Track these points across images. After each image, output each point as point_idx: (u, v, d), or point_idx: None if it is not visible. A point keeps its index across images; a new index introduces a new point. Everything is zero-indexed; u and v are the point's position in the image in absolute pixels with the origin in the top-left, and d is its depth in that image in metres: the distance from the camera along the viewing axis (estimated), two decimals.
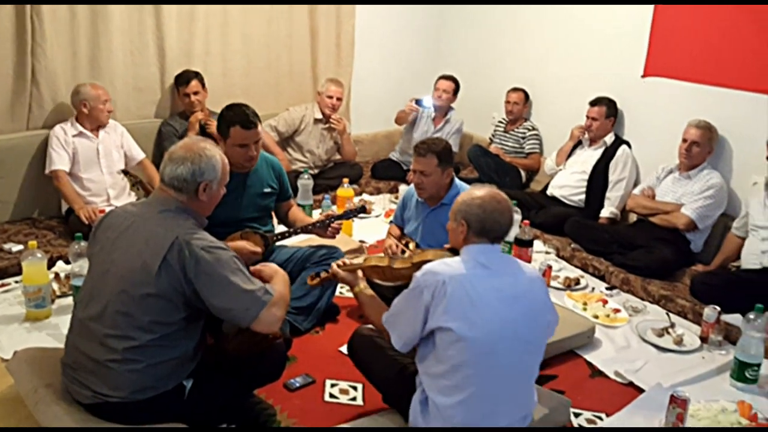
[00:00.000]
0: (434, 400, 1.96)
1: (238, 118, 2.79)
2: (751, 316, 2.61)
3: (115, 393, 1.92)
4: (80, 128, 3.65)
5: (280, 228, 3.18)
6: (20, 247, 3.33)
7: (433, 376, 1.96)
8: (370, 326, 2.33)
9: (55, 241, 3.49)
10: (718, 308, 2.93)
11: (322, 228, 2.95)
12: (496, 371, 1.91)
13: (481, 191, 2.03)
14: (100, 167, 3.69)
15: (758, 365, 2.60)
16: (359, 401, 2.41)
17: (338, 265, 2.34)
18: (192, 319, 1.99)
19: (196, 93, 4.07)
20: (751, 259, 3.22)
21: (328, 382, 2.51)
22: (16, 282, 3.09)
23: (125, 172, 3.80)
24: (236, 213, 2.88)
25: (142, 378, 1.93)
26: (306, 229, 2.98)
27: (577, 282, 3.47)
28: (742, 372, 2.60)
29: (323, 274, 2.41)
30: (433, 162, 2.90)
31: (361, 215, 4.21)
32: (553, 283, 3.43)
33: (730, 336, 2.91)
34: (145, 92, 4.20)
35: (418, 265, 2.08)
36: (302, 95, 4.87)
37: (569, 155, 4.32)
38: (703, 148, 3.59)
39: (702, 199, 3.53)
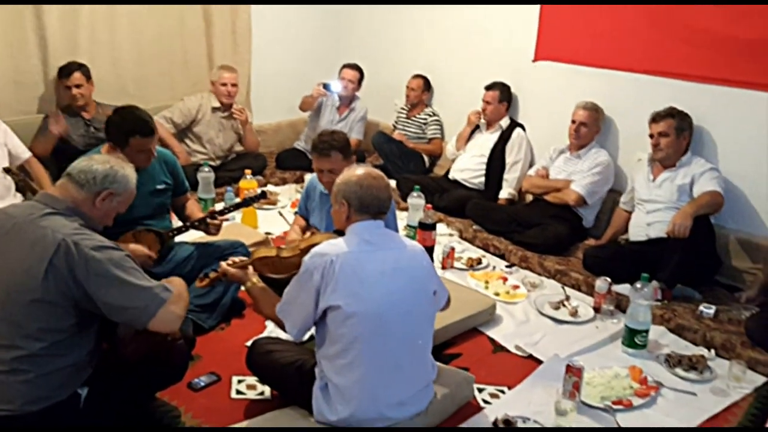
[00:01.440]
0: (334, 382, 2.00)
1: (137, 128, 2.69)
2: (638, 285, 2.78)
3: (4, 406, 1.82)
4: None
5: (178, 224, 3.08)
6: None
7: (330, 358, 2.01)
8: (265, 336, 2.43)
9: None
10: (609, 279, 3.10)
11: (204, 224, 2.89)
12: (388, 343, 1.99)
13: (357, 170, 2.10)
14: None
15: (646, 331, 2.77)
16: (267, 395, 2.39)
17: (228, 264, 2.32)
18: (84, 324, 1.91)
19: (78, 86, 3.85)
20: (637, 231, 3.42)
21: (235, 379, 2.47)
22: None
23: (7, 171, 3.56)
24: (128, 212, 2.75)
25: (33, 389, 1.83)
26: (194, 225, 2.90)
27: (479, 262, 3.57)
28: (632, 338, 2.77)
29: (212, 274, 2.37)
30: (339, 158, 2.89)
31: (266, 206, 4.16)
32: (456, 264, 3.52)
33: (621, 305, 3.08)
34: (26, 87, 3.95)
35: (306, 251, 2.11)
36: (198, 85, 4.71)
37: (468, 139, 4.43)
38: (590, 128, 3.77)
39: (590, 175, 3.72)
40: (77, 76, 3.85)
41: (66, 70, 3.86)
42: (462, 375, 2.41)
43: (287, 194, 4.53)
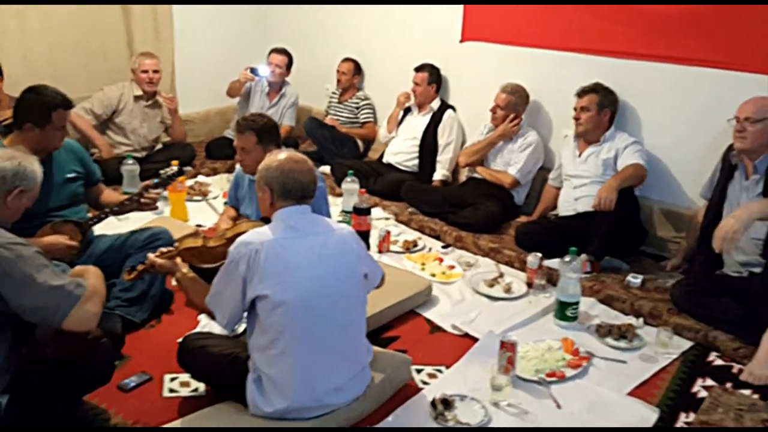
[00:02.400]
0: (267, 373, 1.98)
1: (59, 100, 2.64)
2: (567, 258, 2.84)
3: None
4: None
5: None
6: None
7: (262, 349, 1.99)
8: (196, 332, 2.42)
9: None
10: (540, 255, 3.16)
11: (136, 202, 2.80)
12: (319, 329, 1.98)
13: (279, 155, 2.08)
14: None
15: (577, 303, 2.84)
16: (201, 392, 2.32)
17: (156, 255, 2.27)
18: None
19: None
20: (566, 206, 3.50)
21: (167, 377, 2.39)
22: None
23: None
24: (42, 204, 2.63)
25: None
26: (122, 208, 2.81)
27: (415, 244, 3.58)
28: (564, 311, 2.83)
29: (140, 266, 2.31)
30: (252, 139, 2.82)
31: (197, 197, 4.04)
32: (393, 248, 3.52)
33: (552, 279, 3.15)
34: None
35: (232, 240, 2.07)
36: (118, 74, 4.53)
37: (400, 122, 4.42)
38: (507, 111, 3.80)
39: (522, 157, 3.78)
40: None
41: None
42: (399, 357, 2.42)
43: (218, 184, 4.42)
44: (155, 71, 4.27)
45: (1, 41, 3.91)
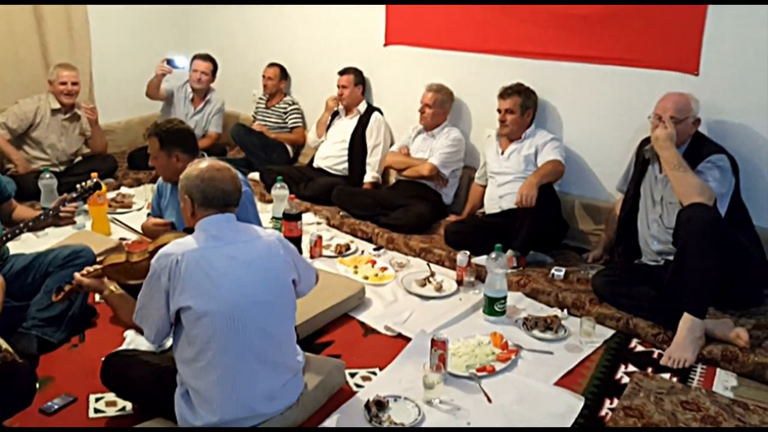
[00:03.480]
0: (194, 387, 1.95)
1: None
2: (493, 255, 2.91)
3: None
4: None
5: None
6: None
7: (188, 362, 1.96)
8: (120, 349, 2.37)
9: None
10: (468, 252, 3.22)
11: (54, 216, 2.70)
12: (245, 339, 1.95)
13: (199, 164, 2.06)
14: None
15: (504, 298, 2.91)
16: (129, 410, 2.26)
17: (82, 274, 2.21)
18: None
19: None
20: (491, 204, 3.58)
21: (93, 397, 2.31)
22: None
23: None
24: None
25: None
26: (38, 223, 2.69)
27: (348, 248, 3.59)
28: (492, 306, 2.90)
29: (67, 287, 2.25)
30: (155, 144, 2.75)
31: (120, 209, 3.93)
32: (325, 252, 3.52)
33: (481, 276, 3.21)
34: None
35: (155, 253, 2.02)
36: (34, 86, 4.36)
37: (329, 127, 4.42)
38: (435, 109, 3.88)
39: (444, 148, 3.85)
40: None
41: None
42: (332, 362, 2.41)
43: (142, 195, 4.31)
44: (74, 83, 4.12)
45: None
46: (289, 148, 4.79)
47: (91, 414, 2.25)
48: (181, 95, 4.72)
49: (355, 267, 3.38)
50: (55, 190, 3.77)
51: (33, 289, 2.61)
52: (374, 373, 2.53)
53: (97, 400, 2.31)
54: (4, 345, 1.97)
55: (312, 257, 3.46)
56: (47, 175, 3.76)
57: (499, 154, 3.58)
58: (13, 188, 3.12)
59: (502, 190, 3.51)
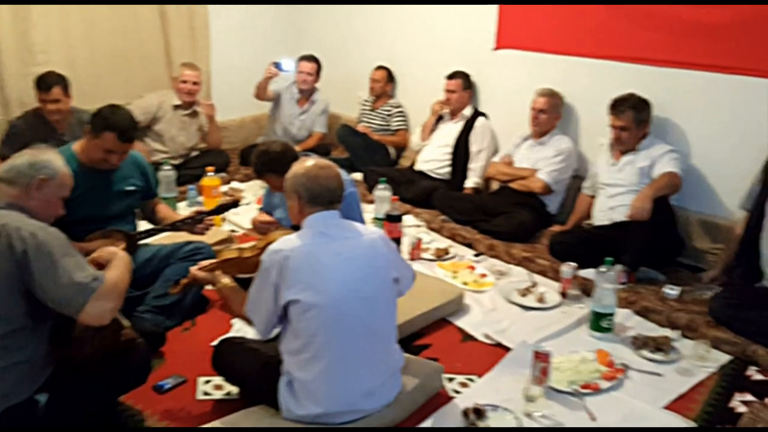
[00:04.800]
0: (298, 377, 2.00)
1: (117, 126, 2.62)
2: (603, 269, 2.80)
3: None
4: None
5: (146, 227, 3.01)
6: None
7: (293, 353, 2.01)
8: (230, 336, 2.45)
9: None
10: (574, 264, 3.12)
11: (192, 224, 2.84)
12: (350, 333, 1.98)
13: (305, 162, 2.11)
14: None
15: (612, 314, 2.80)
16: (234, 395, 2.34)
17: (196, 268, 2.34)
18: (35, 316, 1.87)
19: (56, 101, 3.64)
20: (601, 215, 3.45)
21: (201, 380, 2.42)
22: None
23: None
24: (99, 211, 2.73)
25: None
26: (175, 226, 2.85)
27: (447, 252, 3.57)
28: (598, 322, 2.79)
29: (183, 281, 2.37)
30: (273, 178, 2.86)
31: (233, 209, 4.10)
32: (424, 256, 3.51)
33: (587, 289, 3.10)
34: None
35: (264, 249, 2.09)
36: (156, 82, 4.63)
37: (432, 130, 4.42)
38: (549, 114, 3.79)
39: (554, 163, 3.74)
40: (56, 92, 3.64)
41: (44, 84, 3.64)
42: (431, 365, 2.41)
43: (252, 191, 4.47)
44: (195, 83, 4.35)
45: (47, 50, 4.00)
46: (391, 151, 4.83)
47: (199, 396, 2.35)
48: (288, 96, 4.87)
49: (454, 272, 3.35)
50: (173, 181, 3.98)
51: (152, 279, 2.77)
52: (471, 380, 2.50)
53: (205, 382, 2.41)
54: (127, 323, 2.09)
55: (411, 259, 3.46)
56: (167, 167, 3.98)
57: (612, 165, 3.45)
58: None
59: (613, 201, 3.38)
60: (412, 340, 2.74)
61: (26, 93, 3.92)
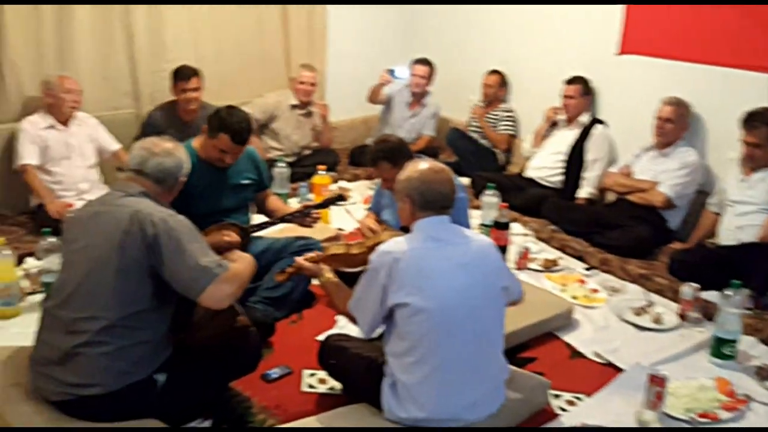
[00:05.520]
0: (402, 380, 1.98)
1: (232, 128, 2.74)
2: (728, 292, 2.61)
3: (85, 382, 1.89)
4: (51, 120, 3.55)
5: (257, 219, 3.13)
6: None
7: (398, 356, 1.99)
8: (336, 333, 2.46)
9: (25, 237, 3.41)
10: (696, 285, 2.93)
11: (300, 217, 2.93)
12: (456, 340, 1.95)
13: (419, 166, 2.08)
14: (72, 160, 3.61)
15: (736, 341, 2.61)
16: (337, 391, 2.38)
17: (303, 258, 2.36)
18: (160, 298, 1.97)
19: (195, 89, 3.92)
20: (727, 234, 3.22)
21: (306, 372, 2.48)
22: None
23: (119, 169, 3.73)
24: (215, 204, 2.86)
25: (112, 362, 1.90)
26: (284, 219, 2.95)
27: (556, 263, 3.46)
28: (720, 348, 2.61)
29: (289, 269, 2.41)
30: (387, 167, 2.87)
31: (339, 203, 4.19)
32: (531, 266, 3.42)
33: (708, 313, 2.91)
34: (114, 82, 4.11)
35: (372, 248, 2.10)
36: (275, 81, 4.79)
37: (545, 137, 4.30)
38: (676, 124, 3.59)
39: (678, 176, 3.53)
40: (194, 81, 3.90)
41: (185, 73, 3.90)
42: (537, 380, 2.33)
43: (359, 191, 4.54)
44: (312, 84, 4.48)
45: (177, 48, 4.24)
46: (500, 156, 4.76)
47: (304, 388, 2.41)
48: (400, 99, 4.89)
49: (563, 285, 3.24)
50: (286, 179, 4.11)
51: (264, 272, 2.86)
52: (579, 399, 2.41)
53: (310, 375, 2.47)
54: (242, 311, 2.17)
55: (518, 269, 3.38)
56: (281, 164, 4.12)
57: (742, 181, 3.21)
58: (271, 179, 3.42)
59: (741, 220, 3.14)
60: (516, 352, 2.67)
61: (156, 88, 4.18)
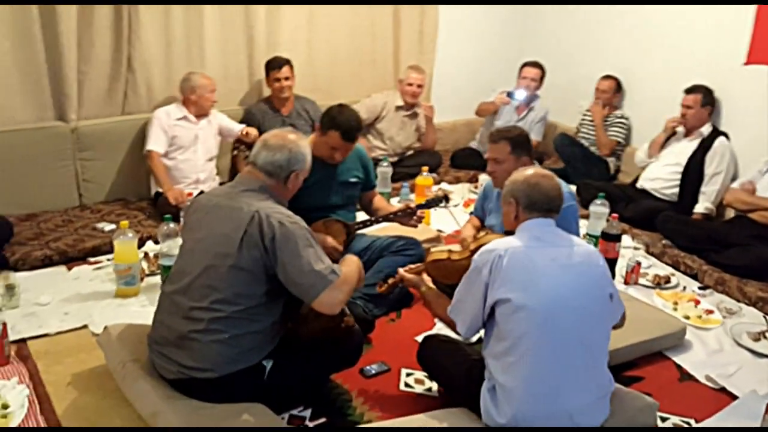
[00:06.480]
0: (501, 382, 1.95)
1: (343, 126, 2.82)
2: None
3: (199, 365, 1.99)
4: (185, 113, 3.80)
5: (360, 217, 3.18)
6: (112, 226, 3.48)
7: (497, 356, 1.97)
8: (435, 333, 2.47)
9: (145, 221, 3.63)
10: None
11: (405, 216, 2.96)
12: (559, 341, 1.90)
13: (526, 171, 2.12)
14: (196, 152, 3.83)
15: None
16: (434, 392, 2.38)
17: (405, 269, 2.41)
18: (273, 294, 2.04)
19: (287, 78, 4.10)
20: None
21: (404, 371, 2.49)
22: (108, 260, 3.23)
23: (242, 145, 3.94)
24: (323, 200, 2.93)
25: (225, 350, 1.98)
26: (388, 218, 2.99)
27: (668, 280, 3.29)
28: None
29: (390, 280, 2.46)
30: (506, 149, 2.80)
31: (442, 204, 4.18)
32: (641, 281, 3.27)
33: None
34: (232, 80, 4.29)
35: (475, 252, 2.09)
36: (383, 82, 4.85)
37: (662, 147, 4.10)
38: None
39: None
40: (286, 70, 4.09)
41: (276, 63, 4.10)
42: (645, 400, 2.22)
43: (460, 193, 4.51)
44: (419, 86, 4.51)
45: (292, 48, 4.37)
46: (611, 165, 4.59)
47: (401, 387, 2.42)
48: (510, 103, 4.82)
49: (675, 303, 3.08)
50: (389, 178, 4.15)
51: (366, 268, 2.89)
52: (688, 424, 2.29)
53: (407, 375, 2.48)
54: (348, 313, 2.21)
55: (626, 284, 3.25)
56: (385, 164, 4.16)
57: None
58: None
59: None
60: (622, 369, 2.55)
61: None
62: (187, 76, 3.80)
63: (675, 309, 3.02)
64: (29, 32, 3.52)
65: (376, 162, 4.21)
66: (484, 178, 4.14)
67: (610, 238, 3.26)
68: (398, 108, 4.57)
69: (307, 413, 2.23)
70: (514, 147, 2.80)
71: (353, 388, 2.38)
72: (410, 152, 4.75)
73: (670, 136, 4.10)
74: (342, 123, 2.81)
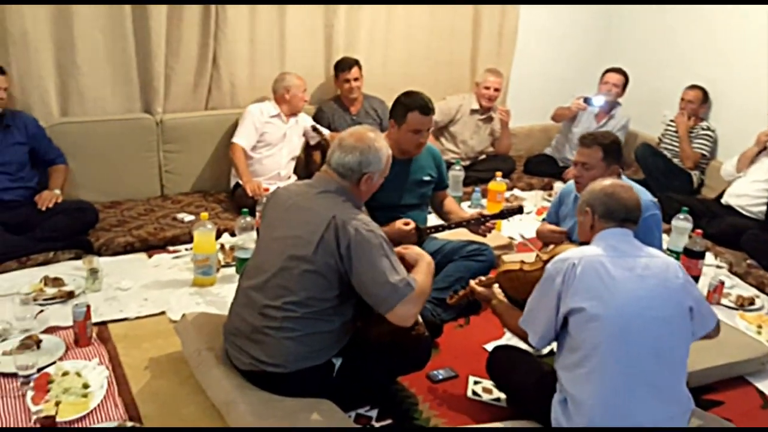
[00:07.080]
0: (572, 394, 1.89)
1: (416, 104, 2.84)
2: None
3: (271, 360, 2.03)
4: (278, 111, 3.89)
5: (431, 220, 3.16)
6: (192, 217, 3.60)
7: (569, 368, 1.92)
8: (505, 344, 2.45)
9: (222, 214, 3.73)
10: None
11: (476, 225, 2.92)
12: (633, 352, 1.84)
13: (603, 181, 2.12)
14: (282, 150, 3.91)
15: None
16: (502, 402, 2.34)
17: (476, 282, 2.38)
18: (345, 297, 2.05)
19: (356, 79, 4.14)
20: None
21: (471, 379, 2.46)
22: (187, 249, 3.34)
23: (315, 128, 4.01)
24: (396, 199, 2.93)
25: (296, 347, 2.01)
26: (459, 225, 2.95)
27: (752, 302, 3.13)
28: None
29: (461, 292, 2.44)
30: (598, 155, 2.72)
31: (516, 215, 4.11)
32: (723, 301, 3.12)
33: None
34: (309, 78, 4.33)
35: (548, 263, 2.04)
36: (459, 85, 4.81)
37: (753, 162, 3.90)
38: None
39: None
40: (356, 71, 4.13)
41: (346, 64, 4.14)
42: (727, 426, 2.12)
43: (533, 200, 4.42)
44: (496, 90, 4.45)
45: (368, 48, 4.40)
46: (695, 178, 4.40)
47: (469, 394, 2.39)
48: (588, 110, 4.70)
49: (759, 327, 2.93)
50: (461, 182, 4.12)
51: (436, 272, 2.87)
52: None
53: (475, 383, 2.44)
54: (420, 320, 2.19)
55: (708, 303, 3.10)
56: (457, 167, 4.13)
57: None
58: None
59: None
60: (701, 392, 2.44)
61: None
62: (281, 76, 3.89)
63: (759, 332, 2.87)
64: (121, 27, 3.67)
65: (448, 165, 4.18)
66: (559, 186, 4.05)
67: (693, 255, 3.13)
68: (473, 111, 4.53)
69: (374, 413, 2.23)
70: (607, 154, 2.73)
71: (420, 391, 2.37)
72: (483, 156, 4.70)
73: (761, 150, 3.90)
74: (415, 101, 2.85)
